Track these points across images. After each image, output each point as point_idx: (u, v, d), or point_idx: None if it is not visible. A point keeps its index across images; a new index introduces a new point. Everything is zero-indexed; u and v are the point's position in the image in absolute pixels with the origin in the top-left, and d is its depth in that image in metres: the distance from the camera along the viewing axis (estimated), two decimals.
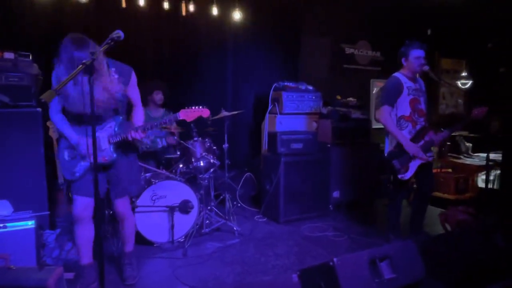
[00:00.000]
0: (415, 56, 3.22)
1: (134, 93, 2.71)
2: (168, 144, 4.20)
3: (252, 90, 5.48)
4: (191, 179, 4.04)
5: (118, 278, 2.86)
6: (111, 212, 3.31)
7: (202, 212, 3.76)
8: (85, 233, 2.62)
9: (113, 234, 3.43)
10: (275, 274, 2.99)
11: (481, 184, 5.12)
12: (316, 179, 4.36)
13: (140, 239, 3.33)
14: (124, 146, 2.64)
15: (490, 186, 4.48)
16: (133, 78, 2.66)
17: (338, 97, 5.29)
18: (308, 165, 4.33)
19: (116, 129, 2.55)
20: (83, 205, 2.54)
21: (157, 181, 3.46)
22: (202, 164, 3.76)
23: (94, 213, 2.62)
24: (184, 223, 3.58)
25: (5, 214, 2.74)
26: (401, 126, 3.27)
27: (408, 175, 3.21)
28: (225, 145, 4.03)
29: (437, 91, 7.11)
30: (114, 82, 2.49)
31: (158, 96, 4.18)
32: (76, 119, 2.51)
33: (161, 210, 3.46)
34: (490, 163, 4.29)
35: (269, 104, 4.89)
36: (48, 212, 3.28)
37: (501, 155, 4.59)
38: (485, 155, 4.62)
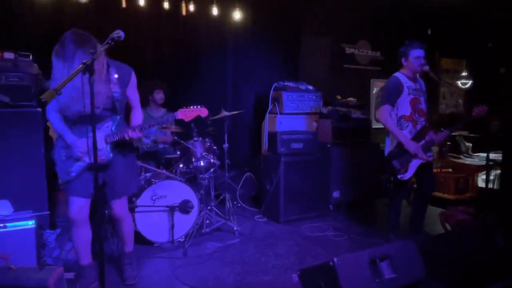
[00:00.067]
0: (415, 56, 3.22)
1: (134, 95, 2.69)
2: (165, 141, 4.20)
3: (252, 90, 5.48)
4: (191, 179, 4.04)
5: (118, 278, 2.86)
6: (110, 212, 3.30)
7: (202, 212, 3.77)
8: (83, 234, 2.62)
9: (113, 234, 3.42)
10: (275, 274, 3.00)
11: (481, 184, 5.12)
12: (316, 179, 4.36)
13: (140, 239, 3.33)
14: (122, 146, 2.61)
15: (490, 186, 4.48)
16: (133, 79, 2.65)
17: (338, 97, 5.29)
18: (308, 165, 4.33)
19: (113, 128, 2.52)
20: (79, 206, 2.53)
21: (157, 181, 3.45)
22: (202, 164, 3.76)
23: (93, 213, 2.62)
24: (184, 223, 3.58)
25: (5, 214, 2.74)
26: (402, 126, 3.27)
27: (407, 175, 3.22)
28: (225, 145, 4.03)
29: (437, 91, 7.11)
30: (113, 82, 2.48)
31: (159, 96, 4.18)
32: (73, 118, 2.49)
33: (161, 210, 3.46)
34: (490, 163, 4.29)
35: (269, 104, 4.88)
36: (48, 212, 3.28)
37: (501, 155, 4.59)
38: (485, 155, 4.62)
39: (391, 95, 3.26)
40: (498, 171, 4.73)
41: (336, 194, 4.69)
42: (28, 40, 3.77)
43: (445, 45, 6.73)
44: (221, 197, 4.37)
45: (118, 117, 2.56)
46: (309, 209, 4.33)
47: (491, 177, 4.64)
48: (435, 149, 3.32)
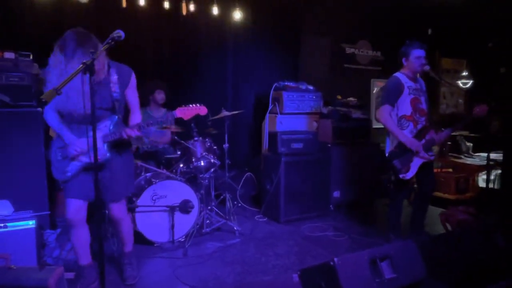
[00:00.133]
0: (416, 56, 3.22)
1: (133, 96, 2.68)
2: (163, 142, 4.21)
3: (252, 90, 5.48)
4: (192, 179, 4.04)
5: (118, 278, 2.86)
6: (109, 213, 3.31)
7: (202, 212, 3.76)
8: (81, 235, 2.61)
9: (113, 234, 3.42)
10: (275, 274, 2.99)
11: (481, 184, 5.12)
12: (316, 179, 4.36)
13: (140, 239, 3.33)
14: (120, 146, 2.60)
15: (490, 186, 4.48)
16: (133, 80, 2.63)
17: (339, 97, 5.29)
18: (309, 165, 4.32)
19: (111, 128, 2.50)
20: (76, 208, 2.52)
21: (157, 180, 3.45)
22: (202, 164, 3.75)
23: (92, 213, 2.62)
24: (185, 223, 3.58)
25: (6, 214, 2.74)
26: (402, 126, 3.26)
27: (409, 175, 3.21)
28: (226, 145, 4.04)
29: (437, 91, 7.10)
30: (113, 82, 2.48)
31: (160, 96, 4.19)
32: (71, 118, 2.48)
33: (161, 210, 3.46)
34: (491, 163, 4.29)
35: (270, 104, 4.88)
36: (48, 212, 3.29)
37: (501, 155, 4.59)
38: (485, 155, 4.63)
39: (391, 95, 3.26)
40: (499, 171, 4.73)
41: (336, 194, 4.69)
42: (28, 40, 3.77)
43: (446, 45, 6.73)
44: (222, 197, 4.37)
45: (116, 116, 2.55)
46: (309, 209, 4.33)
47: (492, 177, 4.64)
48: (435, 149, 3.32)
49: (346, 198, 4.77)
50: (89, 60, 1.89)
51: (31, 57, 3.28)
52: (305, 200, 4.29)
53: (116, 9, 4.29)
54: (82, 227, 2.59)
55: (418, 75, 3.40)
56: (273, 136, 4.40)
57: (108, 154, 2.48)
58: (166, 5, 4.54)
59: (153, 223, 3.43)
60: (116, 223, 2.78)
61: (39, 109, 3.16)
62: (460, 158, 5.53)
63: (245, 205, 4.80)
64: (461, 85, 6.92)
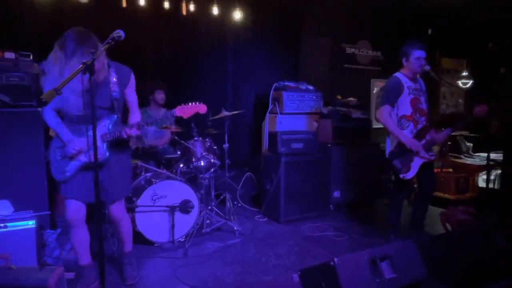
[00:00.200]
0: (416, 57, 3.22)
1: (132, 96, 2.68)
2: (165, 141, 4.22)
3: (252, 90, 5.48)
4: (192, 178, 4.04)
5: (118, 278, 2.86)
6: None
7: (202, 212, 3.76)
8: (81, 235, 2.61)
9: (113, 234, 3.42)
10: (275, 274, 2.99)
11: (481, 184, 5.12)
12: (316, 179, 4.36)
13: (140, 239, 3.34)
14: (118, 146, 2.60)
15: (490, 186, 4.48)
16: (132, 80, 2.63)
17: (339, 97, 5.29)
18: (309, 165, 4.32)
19: (110, 127, 2.50)
20: (76, 208, 2.52)
21: (157, 180, 3.45)
22: (202, 164, 3.75)
23: (92, 213, 2.62)
24: (185, 223, 3.58)
25: (6, 214, 2.75)
26: (402, 126, 3.27)
27: (410, 175, 3.21)
28: (226, 145, 4.04)
29: (437, 91, 7.10)
30: (112, 82, 2.48)
31: (160, 96, 4.19)
32: (71, 117, 2.48)
33: (161, 210, 3.46)
34: (491, 163, 4.29)
35: (270, 104, 4.88)
36: (48, 212, 3.29)
37: (501, 155, 4.59)
38: (485, 155, 4.63)
39: (391, 95, 3.26)
40: (499, 171, 4.73)
41: (336, 194, 4.69)
42: (29, 40, 3.77)
43: (446, 45, 6.73)
44: (222, 197, 4.37)
45: (115, 116, 2.55)
46: (309, 209, 4.33)
47: (492, 177, 4.64)
48: (435, 148, 3.32)
49: (346, 198, 4.77)
50: (89, 60, 1.89)
51: (31, 57, 3.28)
52: (305, 200, 4.29)
53: (116, 9, 4.29)
54: (82, 227, 2.59)
55: (418, 75, 3.40)
56: (273, 136, 4.40)
57: (107, 154, 2.48)
58: (166, 5, 4.54)
59: (153, 223, 3.43)
60: (115, 223, 2.78)
61: (39, 109, 3.16)
62: (460, 158, 5.53)
63: (245, 205, 4.80)
64: (461, 85, 6.92)
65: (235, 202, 4.76)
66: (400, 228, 3.49)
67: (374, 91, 6.50)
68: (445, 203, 4.72)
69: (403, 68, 3.34)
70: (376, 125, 5.09)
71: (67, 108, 2.40)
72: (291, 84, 4.85)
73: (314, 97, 4.88)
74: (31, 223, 2.72)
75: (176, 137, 4.01)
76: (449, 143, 5.65)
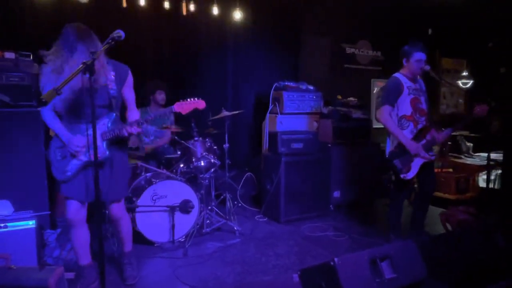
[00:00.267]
0: (417, 59, 3.22)
1: (129, 94, 2.67)
2: (166, 141, 4.22)
3: (252, 90, 5.48)
4: (192, 179, 4.04)
5: (118, 278, 2.86)
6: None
7: (202, 212, 3.76)
8: (81, 235, 2.61)
9: (113, 234, 3.42)
10: (275, 274, 2.99)
11: (482, 184, 5.12)
12: (316, 179, 4.36)
13: (140, 239, 3.34)
14: (117, 144, 2.60)
15: (491, 186, 4.48)
16: (130, 78, 2.63)
17: (339, 97, 5.29)
18: (309, 165, 4.32)
19: (109, 125, 2.50)
20: (76, 208, 2.52)
21: (157, 180, 3.45)
22: (202, 164, 3.75)
23: (92, 213, 2.61)
24: (185, 223, 3.58)
25: (6, 214, 2.75)
26: (403, 126, 3.27)
27: (410, 175, 3.21)
28: (226, 145, 4.04)
29: (437, 91, 7.10)
30: (110, 80, 2.47)
31: (161, 96, 4.19)
32: (70, 116, 2.48)
33: (161, 210, 3.46)
34: (491, 163, 4.29)
35: (270, 104, 4.88)
36: (48, 212, 3.29)
37: (502, 155, 4.59)
38: (486, 155, 4.63)
39: (391, 96, 3.27)
40: (499, 171, 4.73)
41: (336, 194, 4.69)
42: (29, 40, 3.77)
43: (446, 45, 6.73)
44: (222, 197, 4.37)
45: (114, 114, 2.55)
46: (309, 209, 4.33)
47: (492, 177, 4.64)
48: (435, 149, 3.32)
49: (346, 198, 4.77)
50: (89, 60, 1.89)
51: (31, 57, 3.28)
52: (305, 200, 4.29)
53: (116, 9, 4.29)
54: (82, 227, 2.59)
55: (418, 76, 3.40)
56: (273, 136, 4.40)
57: (107, 152, 2.48)
58: (166, 5, 4.53)
59: (153, 223, 3.43)
60: (115, 222, 2.78)
61: (39, 109, 3.16)
62: (461, 158, 5.53)
63: (245, 205, 4.80)
64: (461, 85, 6.92)
65: (235, 202, 4.75)
66: (400, 228, 3.49)
67: (374, 91, 6.50)
68: (445, 203, 4.72)
69: (403, 68, 3.34)
70: (376, 125, 5.09)
71: (66, 107, 2.40)
72: (291, 84, 4.85)
73: (314, 97, 4.88)
74: (31, 223, 2.72)
75: (176, 137, 4.01)
76: (449, 143, 5.66)
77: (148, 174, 3.66)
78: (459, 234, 2.71)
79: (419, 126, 3.26)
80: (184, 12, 4.68)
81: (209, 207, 3.96)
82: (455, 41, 6.58)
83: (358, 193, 4.86)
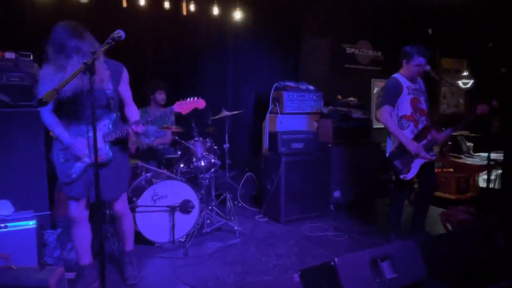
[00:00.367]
0: (416, 63, 3.22)
1: (126, 91, 2.66)
2: (166, 142, 4.22)
3: (252, 90, 5.48)
4: (192, 179, 4.04)
5: (119, 278, 2.86)
6: (111, 212, 3.30)
7: (203, 212, 3.76)
8: (83, 234, 2.61)
9: (114, 233, 3.43)
10: (276, 274, 2.99)
11: (482, 183, 5.12)
12: (316, 179, 4.36)
13: (141, 239, 3.33)
14: (118, 145, 2.60)
15: (491, 185, 4.48)
16: (125, 75, 2.61)
17: (339, 97, 5.29)
18: (309, 165, 4.32)
19: (110, 126, 2.50)
20: (80, 207, 2.52)
21: (158, 181, 3.45)
22: (203, 164, 3.75)
23: (93, 213, 2.62)
24: (185, 223, 3.58)
25: (6, 214, 2.74)
26: (403, 126, 3.26)
27: (410, 175, 3.21)
28: (226, 145, 4.03)
29: (438, 91, 7.10)
30: (106, 79, 2.45)
31: (161, 96, 4.19)
32: (70, 118, 2.47)
33: (162, 210, 3.46)
34: (491, 162, 4.28)
35: (270, 104, 4.88)
36: (49, 212, 3.29)
37: (502, 154, 4.59)
38: (486, 154, 4.62)
39: (391, 96, 3.27)
40: (499, 171, 4.73)
41: (336, 194, 4.69)
42: (29, 40, 3.76)
43: (446, 45, 6.73)
44: (222, 197, 4.37)
45: (114, 115, 2.55)
46: (309, 209, 4.33)
47: (492, 177, 4.64)
48: (436, 149, 3.32)
49: (346, 198, 4.77)
50: (89, 60, 1.89)
51: (31, 57, 3.28)
52: (306, 200, 4.29)
53: (116, 9, 4.29)
54: (84, 225, 2.60)
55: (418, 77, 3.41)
56: (273, 136, 4.40)
57: (111, 154, 2.49)
58: (166, 5, 4.53)
59: (153, 223, 3.43)
60: (118, 219, 2.79)
61: (39, 110, 3.16)
62: (461, 158, 5.52)
63: (245, 205, 4.80)
64: (461, 85, 6.92)
65: (236, 202, 4.75)
66: (400, 228, 3.48)
67: (375, 91, 6.50)
68: (445, 203, 4.72)
69: (402, 69, 3.34)
70: (376, 125, 5.09)
71: (66, 108, 2.40)
72: (291, 84, 4.85)
73: (314, 97, 4.88)
74: (31, 223, 2.71)
75: (176, 137, 4.01)
76: (449, 143, 5.65)
77: (148, 174, 3.66)
78: (459, 234, 2.71)
79: (420, 126, 3.26)
80: (184, 12, 4.68)
81: (210, 207, 3.96)
82: (455, 41, 6.58)
83: (358, 193, 4.86)
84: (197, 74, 5.00)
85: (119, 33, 2.05)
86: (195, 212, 3.63)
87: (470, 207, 3.64)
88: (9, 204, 2.84)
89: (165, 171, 3.76)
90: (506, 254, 2.50)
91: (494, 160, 4.57)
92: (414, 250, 2.21)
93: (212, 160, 3.80)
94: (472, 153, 5.71)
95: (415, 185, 3.70)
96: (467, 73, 6.99)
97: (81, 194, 2.49)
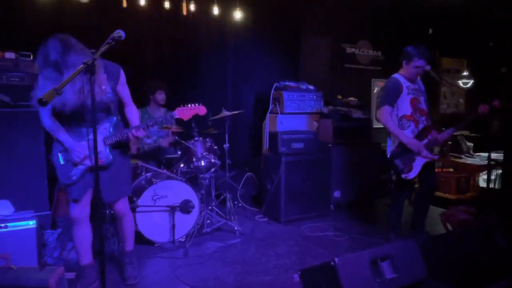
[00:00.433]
0: (416, 65, 3.22)
1: (124, 91, 2.66)
2: (167, 142, 4.22)
3: (252, 90, 5.48)
4: (192, 178, 4.04)
5: (119, 278, 2.86)
6: (111, 212, 3.31)
7: (203, 212, 3.76)
8: (83, 234, 2.61)
9: (114, 233, 3.43)
10: (276, 274, 2.99)
11: (482, 183, 5.11)
12: (316, 178, 4.36)
13: (141, 239, 3.33)
14: (119, 147, 2.60)
15: (491, 185, 4.48)
16: (122, 76, 2.60)
17: (339, 97, 5.29)
18: (309, 164, 4.32)
19: (111, 130, 2.51)
20: (80, 207, 2.53)
21: (158, 180, 3.45)
22: (203, 163, 3.75)
23: (94, 212, 2.62)
24: (185, 222, 3.58)
25: (6, 214, 2.74)
26: (403, 126, 3.26)
27: (412, 174, 3.21)
28: (226, 145, 4.03)
29: (438, 91, 7.10)
30: (104, 81, 2.43)
31: (161, 96, 4.19)
32: (70, 121, 2.46)
33: (162, 210, 3.46)
34: (492, 162, 4.28)
35: (270, 104, 4.88)
36: (49, 212, 3.29)
37: (502, 154, 4.59)
38: (486, 154, 4.62)
39: (390, 96, 3.27)
40: (499, 171, 4.72)
41: (336, 194, 4.69)
42: (29, 40, 3.75)
43: (446, 44, 6.73)
44: (222, 197, 4.37)
45: (115, 118, 2.55)
46: (309, 209, 4.33)
47: (492, 177, 4.64)
48: (436, 149, 3.33)
49: (346, 198, 4.77)
50: (89, 60, 1.89)
51: (31, 57, 3.28)
52: (306, 200, 4.29)
53: (116, 9, 4.28)
54: (85, 225, 2.60)
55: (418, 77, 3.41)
56: (273, 136, 4.40)
57: (111, 157, 2.49)
58: (167, 5, 4.53)
59: (153, 223, 3.43)
60: (118, 219, 2.79)
61: (39, 112, 3.16)
62: (461, 158, 5.52)
63: (245, 205, 4.80)
64: (461, 85, 6.92)
65: (236, 202, 4.75)
66: (400, 228, 3.48)
67: (375, 91, 6.50)
68: (445, 203, 4.71)
69: (402, 69, 3.34)
70: (376, 125, 5.08)
71: (66, 111, 2.39)
72: (291, 84, 4.85)
73: (314, 97, 4.88)
74: (31, 223, 2.71)
75: (176, 137, 4.01)
76: (449, 143, 5.65)
77: (148, 174, 3.66)
78: (459, 234, 2.71)
79: (420, 126, 3.26)
80: (184, 12, 4.68)
81: (210, 207, 3.96)
82: (455, 41, 6.57)
83: (358, 193, 4.86)
84: (197, 74, 5.00)
85: (119, 33, 2.04)
86: (195, 212, 3.63)
87: (470, 207, 3.64)
88: (9, 204, 2.84)
89: (165, 171, 3.76)
90: (506, 254, 2.50)
91: (494, 160, 4.57)
92: (414, 250, 2.21)
93: (212, 160, 3.80)
94: (472, 153, 5.71)
95: (416, 185, 3.70)
96: (467, 73, 6.99)
97: (82, 196, 2.49)
